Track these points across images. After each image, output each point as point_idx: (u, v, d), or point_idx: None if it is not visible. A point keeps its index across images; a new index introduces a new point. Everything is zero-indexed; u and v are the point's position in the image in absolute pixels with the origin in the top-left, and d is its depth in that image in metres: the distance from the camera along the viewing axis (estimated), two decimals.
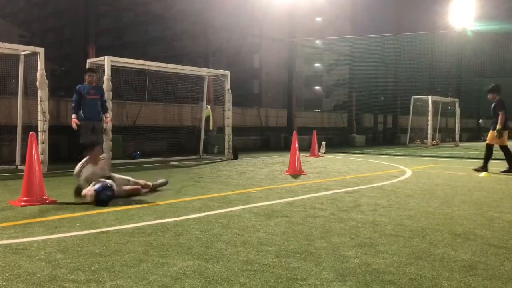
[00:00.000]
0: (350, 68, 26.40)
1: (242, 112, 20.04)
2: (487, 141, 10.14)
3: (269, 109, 23.25)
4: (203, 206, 5.50)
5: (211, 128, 14.95)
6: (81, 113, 9.62)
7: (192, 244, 3.80)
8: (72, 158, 10.94)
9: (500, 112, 9.71)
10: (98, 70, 10.57)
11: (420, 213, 5.20)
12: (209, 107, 14.81)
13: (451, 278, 3.04)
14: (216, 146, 14.39)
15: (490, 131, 10.02)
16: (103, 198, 5.51)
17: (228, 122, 13.48)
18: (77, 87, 9.81)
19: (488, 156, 10.02)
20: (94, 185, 5.63)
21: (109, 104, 10.58)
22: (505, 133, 9.86)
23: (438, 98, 24.60)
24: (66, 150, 12.04)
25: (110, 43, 55.54)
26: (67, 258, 3.37)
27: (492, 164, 10.17)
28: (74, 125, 9.56)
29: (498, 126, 9.75)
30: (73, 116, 9.59)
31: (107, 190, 5.60)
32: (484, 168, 9.88)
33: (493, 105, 10.00)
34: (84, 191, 5.62)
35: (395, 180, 8.37)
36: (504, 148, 9.93)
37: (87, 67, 10.70)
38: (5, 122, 11.16)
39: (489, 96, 10.11)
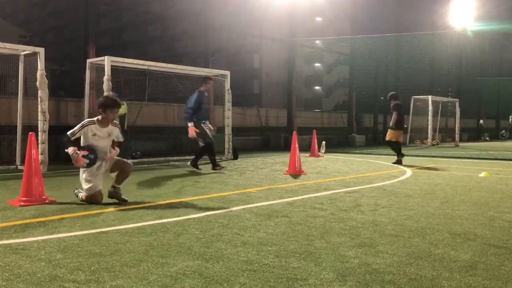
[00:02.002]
0: (350, 68, 26.39)
1: (242, 112, 20.03)
2: (386, 139, 11.89)
3: (269, 109, 23.24)
4: (203, 206, 5.50)
5: (125, 127, 12.46)
6: (195, 118, 9.43)
7: (192, 244, 3.80)
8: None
9: (394, 113, 11.60)
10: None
11: (420, 213, 5.20)
12: (125, 103, 12.51)
13: (451, 278, 3.04)
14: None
15: (389, 130, 11.83)
16: (92, 160, 5.44)
17: (228, 122, 13.48)
18: (199, 95, 9.56)
19: (395, 149, 11.86)
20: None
21: None
22: (400, 132, 11.81)
23: (438, 98, 24.61)
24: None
25: (110, 43, 55.53)
26: (67, 258, 3.37)
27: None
28: (194, 134, 9.31)
29: (391, 124, 11.68)
30: (191, 124, 9.28)
31: (92, 153, 5.50)
32: (400, 157, 11.75)
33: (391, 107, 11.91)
34: (75, 151, 5.40)
35: (395, 180, 8.37)
36: (396, 143, 11.77)
37: (206, 76, 10.52)
38: (5, 122, 11.16)
39: (391, 101, 12.05)
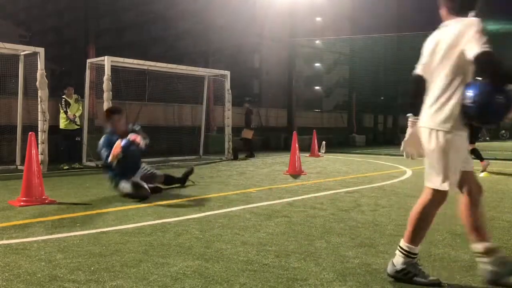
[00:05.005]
0: (350, 68, 26.39)
1: (242, 112, 20.03)
2: (242, 136, 13.74)
3: (269, 109, 23.26)
4: (203, 206, 5.50)
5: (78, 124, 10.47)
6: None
7: (192, 244, 3.80)
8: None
9: (251, 116, 13.91)
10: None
11: None
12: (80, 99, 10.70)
13: (451, 278, 3.04)
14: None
15: (245, 129, 13.70)
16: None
17: (228, 122, 13.50)
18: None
19: (250, 147, 13.90)
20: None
21: (109, 104, 10.53)
22: (252, 131, 13.95)
23: None
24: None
25: (110, 43, 55.52)
26: (67, 258, 3.37)
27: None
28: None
29: (252, 126, 13.81)
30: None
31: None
32: (251, 155, 13.72)
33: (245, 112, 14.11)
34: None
35: (395, 180, 8.36)
36: (249, 140, 13.85)
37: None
38: (5, 122, 11.16)
39: (246, 104, 14.28)
